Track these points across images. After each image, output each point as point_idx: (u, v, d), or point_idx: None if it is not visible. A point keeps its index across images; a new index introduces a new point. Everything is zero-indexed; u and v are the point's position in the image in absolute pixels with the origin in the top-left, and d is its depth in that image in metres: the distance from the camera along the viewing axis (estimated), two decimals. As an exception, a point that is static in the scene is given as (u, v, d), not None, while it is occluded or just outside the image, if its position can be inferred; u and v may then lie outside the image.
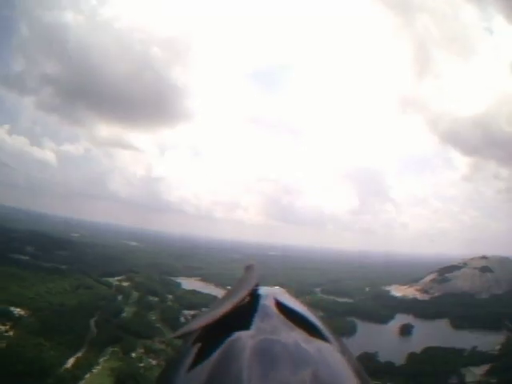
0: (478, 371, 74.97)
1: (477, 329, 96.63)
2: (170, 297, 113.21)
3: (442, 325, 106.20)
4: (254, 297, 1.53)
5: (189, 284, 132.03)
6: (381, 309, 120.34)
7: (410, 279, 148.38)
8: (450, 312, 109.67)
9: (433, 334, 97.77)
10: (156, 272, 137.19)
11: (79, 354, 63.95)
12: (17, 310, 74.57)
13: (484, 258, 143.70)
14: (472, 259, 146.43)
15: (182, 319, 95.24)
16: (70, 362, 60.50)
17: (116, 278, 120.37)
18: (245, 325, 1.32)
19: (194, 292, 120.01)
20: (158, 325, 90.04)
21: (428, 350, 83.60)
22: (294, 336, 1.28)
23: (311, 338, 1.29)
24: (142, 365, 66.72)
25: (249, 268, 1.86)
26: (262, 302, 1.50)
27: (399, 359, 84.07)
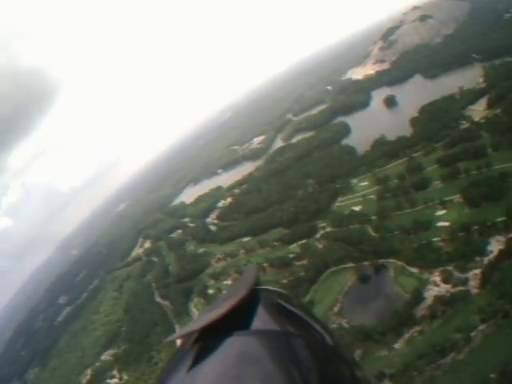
0: (479, 107, 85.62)
1: (449, 71, 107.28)
2: None
3: (419, 80, 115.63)
4: (254, 296, 1.59)
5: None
6: (352, 96, 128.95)
7: (360, 58, 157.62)
8: (419, 67, 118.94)
9: (415, 92, 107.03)
10: None
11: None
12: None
13: (416, 8, 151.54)
14: (405, 15, 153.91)
15: None
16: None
17: None
18: (245, 324, 1.39)
19: None
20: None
21: (422, 110, 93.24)
22: (294, 335, 1.36)
23: (310, 337, 1.39)
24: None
25: (248, 268, 2.03)
26: (262, 301, 1.58)
27: (406, 132, 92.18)
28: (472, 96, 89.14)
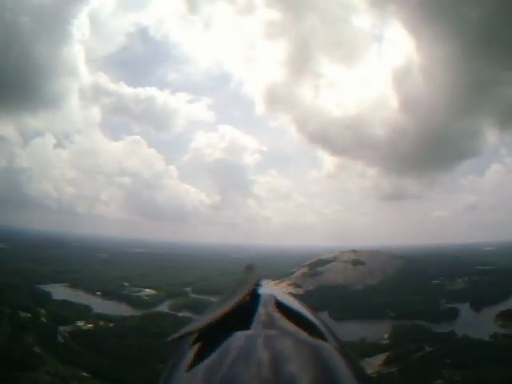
0: (375, 361, 78.64)
1: (358, 319, 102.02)
2: (43, 311, 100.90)
3: (323, 318, 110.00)
4: (254, 296, 1.57)
5: (58, 292, 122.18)
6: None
7: (280, 274, 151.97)
8: (328, 304, 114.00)
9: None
10: (23, 280, 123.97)
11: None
12: None
13: (354, 251, 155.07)
14: (342, 252, 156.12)
15: (60, 339, 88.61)
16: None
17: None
18: (245, 324, 1.34)
19: (65, 303, 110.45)
20: (35, 349, 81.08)
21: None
22: (294, 335, 1.30)
23: (310, 338, 1.31)
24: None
25: (248, 268, 1.91)
26: (262, 301, 1.54)
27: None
28: (372, 349, 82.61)
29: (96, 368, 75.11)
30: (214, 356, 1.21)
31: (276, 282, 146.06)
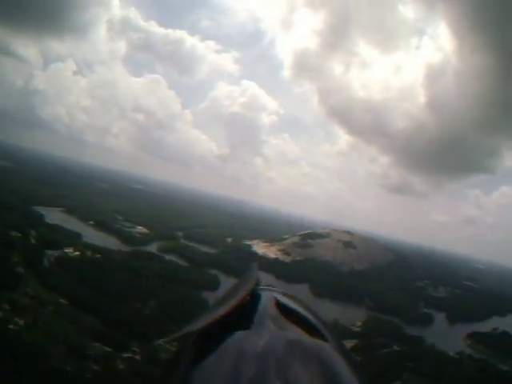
0: (347, 344, 79.79)
1: (336, 300, 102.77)
2: (33, 233, 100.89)
3: (302, 290, 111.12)
4: (254, 296, 1.56)
5: (52, 216, 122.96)
6: (242, 264, 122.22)
7: (271, 237, 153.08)
8: (311, 278, 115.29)
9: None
10: (19, 200, 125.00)
11: None
12: None
13: (348, 233, 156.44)
14: (335, 231, 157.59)
15: (46, 262, 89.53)
16: None
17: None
18: (245, 324, 1.35)
19: (57, 227, 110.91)
20: (19, 269, 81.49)
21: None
22: (294, 335, 1.30)
23: (310, 337, 1.32)
24: (11, 327, 55.08)
25: (249, 268, 1.89)
26: (262, 301, 1.54)
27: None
28: (341, 333, 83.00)
29: (75, 296, 75.85)
30: (214, 356, 1.20)
31: (266, 244, 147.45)
